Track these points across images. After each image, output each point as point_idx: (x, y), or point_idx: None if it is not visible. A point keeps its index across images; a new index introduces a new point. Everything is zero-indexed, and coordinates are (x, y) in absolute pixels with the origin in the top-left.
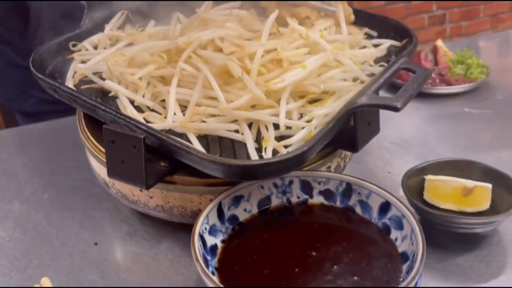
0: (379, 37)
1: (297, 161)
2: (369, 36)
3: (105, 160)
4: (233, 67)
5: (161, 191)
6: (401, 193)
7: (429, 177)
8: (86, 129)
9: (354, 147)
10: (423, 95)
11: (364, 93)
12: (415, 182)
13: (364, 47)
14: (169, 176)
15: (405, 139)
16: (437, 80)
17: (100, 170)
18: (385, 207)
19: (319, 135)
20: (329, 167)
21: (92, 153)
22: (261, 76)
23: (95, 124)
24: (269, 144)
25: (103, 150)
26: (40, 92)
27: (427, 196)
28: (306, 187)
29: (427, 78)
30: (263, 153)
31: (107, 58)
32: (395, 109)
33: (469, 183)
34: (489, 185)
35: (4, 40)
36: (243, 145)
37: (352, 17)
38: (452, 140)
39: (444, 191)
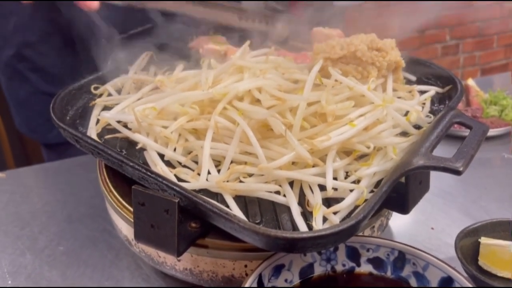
0: (418, 80)
1: (351, 232)
2: (407, 81)
3: (129, 218)
4: (275, 124)
5: (191, 255)
6: (449, 254)
7: (484, 241)
8: (108, 181)
9: (404, 209)
10: (457, 138)
11: (419, 152)
12: (468, 245)
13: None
14: (200, 239)
15: (444, 189)
16: None
17: (123, 226)
18: (447, 282)
19: (373, 201)
20: (373, 227)
21: (115, 209)
22: (304, 131)
23: (118, 176)
24: (319, 213)
25: (128, 207)
26: None
27: (482, 262)
28: (353, 254)
29: (485, 134)
30: (313, 222)
31: (133, 106)
32: (457, 173)
33: None
34: None
35: (33, 66)
36: (285, 207)
37: (402, 63)
38: (495, 191)
39: (502, 257)
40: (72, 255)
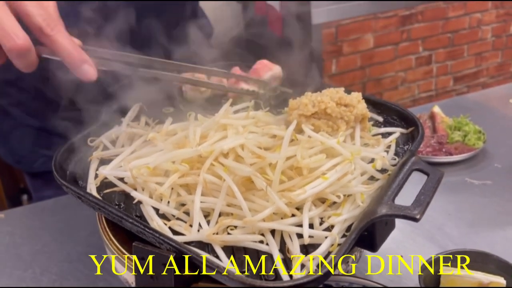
0: (384, 121)
1: (326, 277)
2: (375, 122)
3: (129, 264)
4: (257, 181)
5: None
6: (416, 281)
7: (445, 272)
8: (108, 230)
9: (372, 247)
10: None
11: (382, 201)
12: (430, 275)
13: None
14: (194, 284)
15: None
16: (437, 148)
17: (123, 271)
18: None
19: (344, 248)
20: (348, 261)
21: (115, 256)
22: (282, 184)
23: (117, 226)
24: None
25: (127, 254)
26: (49, 151)
27: None
28: None
29: (440, 180)
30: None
31: (128, 160)
32: (415, 220)
33: (484, 278)
34: (503, 281)
35: (14, 101)
36: (269, 254)
37: (368, 114)
38: (458, 217)
39: (460, 286)
40: None
